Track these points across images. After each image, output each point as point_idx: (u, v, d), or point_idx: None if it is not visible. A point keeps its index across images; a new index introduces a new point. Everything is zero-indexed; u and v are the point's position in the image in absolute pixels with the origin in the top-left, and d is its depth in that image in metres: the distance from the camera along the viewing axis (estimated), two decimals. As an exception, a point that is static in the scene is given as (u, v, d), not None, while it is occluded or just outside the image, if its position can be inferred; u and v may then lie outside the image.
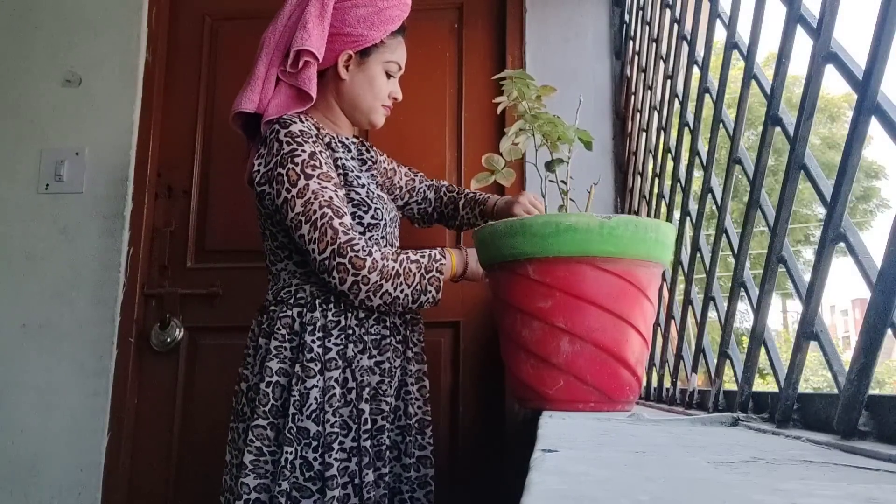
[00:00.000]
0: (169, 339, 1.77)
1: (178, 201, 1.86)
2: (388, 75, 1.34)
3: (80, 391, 1.73)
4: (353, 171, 1.28)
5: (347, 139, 1.35)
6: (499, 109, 1.16)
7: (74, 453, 1.70)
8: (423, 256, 1.22)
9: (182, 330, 1.78)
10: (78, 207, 1.82)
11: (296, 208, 1.16)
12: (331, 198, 1.17)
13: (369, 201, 1.27)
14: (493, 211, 1.46)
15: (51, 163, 1.84)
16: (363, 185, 1.28)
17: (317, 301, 1.22)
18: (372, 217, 1.27)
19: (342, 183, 1.25)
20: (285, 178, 1.18)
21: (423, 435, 1.28)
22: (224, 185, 1.85)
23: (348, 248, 1.14)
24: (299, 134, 1.21)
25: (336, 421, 1.17)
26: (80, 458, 1.70)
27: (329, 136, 1.29)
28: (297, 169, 1.18)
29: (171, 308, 1.78)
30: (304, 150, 1.19)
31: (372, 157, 1.42)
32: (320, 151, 1.22)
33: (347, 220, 1.18)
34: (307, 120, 1.26)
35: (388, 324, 1.27)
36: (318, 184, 1.17)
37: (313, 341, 1.19)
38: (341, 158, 1.27)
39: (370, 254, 1.16)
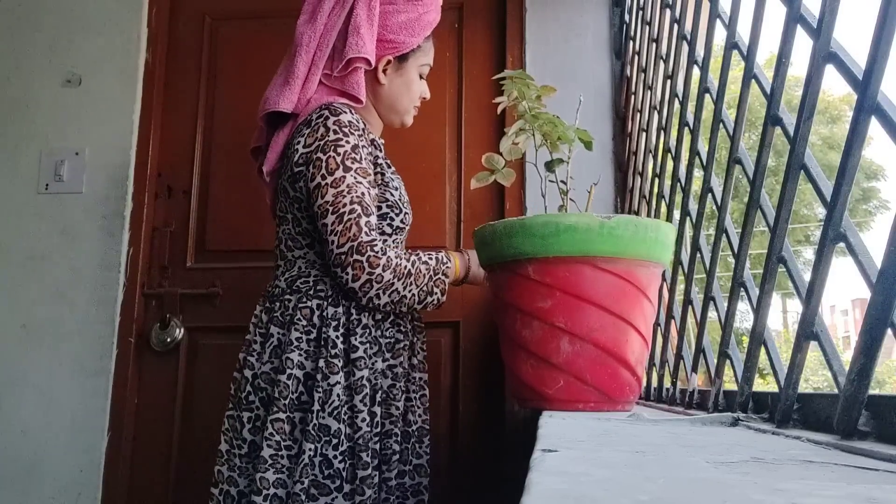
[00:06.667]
0: (169, 339, 1.77)
1: (178, 201, 1.86)
2: (420, 76, 1.37)
3: (80, 391, 1.73)
4: (387, 172, 1.29)
5: (380, 139, 1.35)
6: (499, 109, 1.16)
7: (74, 453, 1.70)
8: (430, 258, 1.23)
9: (182, 330, 1.78)
10: (78, 207, 1.82)
11: (326, 196, 1.16)
12: (363, 194, 1.18)
13: (401, 205, 1.28)
14: None
15: (51, 163, 1.84)
16: (397, 188, 1.29)
17: (339, 296, 1.21)
18: (401, 221, 1.28)
19: (378, 182, 1.26)
20: (324, 165, 1.17)
21: (421, 444, 1.28)
22: (224, 185, 1.85)
23: (368, 248, 1.14)
24: (347, 125, 1.21)
25: (368, 420, 1.17)
26: (80, 458, 1.70)
27: (371, 134, 1.29)
28: (339, 159, 1.18)
29: (171, 308, 1.78)
30: (348, 142, 1.19)
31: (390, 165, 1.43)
32: (363, 146, 1.22)
33: (373, 219, 1.18)
34: (355, 113, 1.27)
35: (401, 328, 1.27)
36: (354, 178, 1.18)
37: (337, 337, 1.18)
38: (380, 157, 1.28)
39: (384, 252, 1.16)
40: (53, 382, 1.74)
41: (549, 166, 1.09)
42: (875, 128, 0.60)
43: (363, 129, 1.24)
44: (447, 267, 1.24)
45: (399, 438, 1.24)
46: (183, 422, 1.75)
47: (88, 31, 1.91)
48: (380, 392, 1.22)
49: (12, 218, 1.83)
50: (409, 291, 1.18)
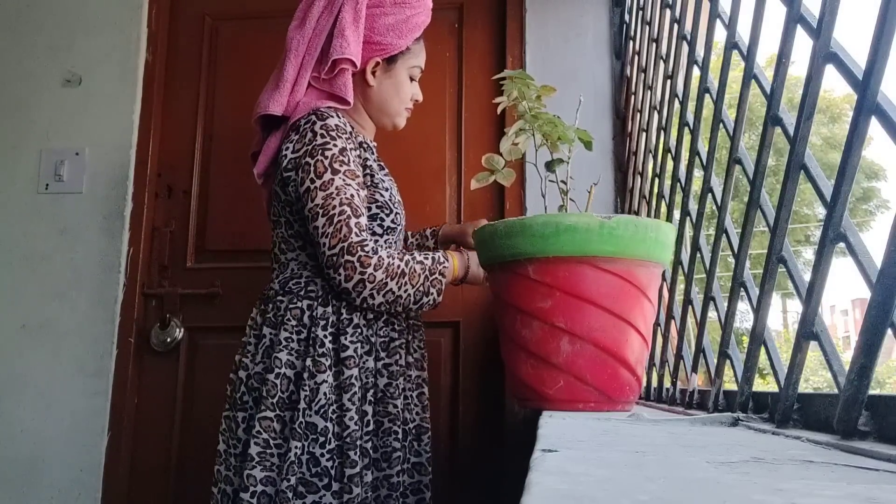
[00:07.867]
0: (169, 339, 1.77)
1: (178, 201, 1.86)
2: (411, 79, 1.37)
3: (80, 391, 1.73)
4: (378, 174, 1.30)
5: (371, 142, 1.36)
6: (499, 109, 1.16)
7: (74, 453, 1.70)
8: (426, 258, 1.23)
9: (182, 330, 1.78)
10: (78, 207, 1.82)
11: (316, 199, 1.17)
12: (352, 196, 1.18)
13: (391, 205, 1.29)
14: (441, 234, 1.53)
15: (51, 163, 1.84)
16: (387, 189, 1.30)
17: (329, 296, 1.22)
18: (392, 221, 1.29)
19: (368, 183, 1.27)
20: (312, 169, 1.19)
21: (420, 441, 1.29)
22: (224, 185, 1.85)
23: (358, 248, 1.15)
24: (334, 128, 1.22)
25: (357, 419, 1.17)
26: (80, 458, 1.70)
27: (360, 137, 1.31)
28: (326, 162, 1.19)
29: (171, 308, 1.78)
30: (335, 145, 1.20)
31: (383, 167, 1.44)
32: (351, 149, 1.23)
33: (364, 220, 1.19)
34: (343, 116, 1.28)
35: (396, 326, 1.28)
36: (343, 180, 1.19)
37: (325, 336, 1.19)
38: (369, 159, 1.29)
39: (376, 252, 1.17)
40: (53, 382, 1.74)
41: (549, 166, 1.09)
42: (875, 128, 0.60)
43: (350, 132, 1.26)
44: (444, 266, 1.24)
45: (399, 436, 1.24)
46: (183, 422, 1.75)
47: (88, 31, 1.91)
48: (372, 391, 1.22)
49: (12, 218, 1.83)
50: (404, 291, 1.18)
